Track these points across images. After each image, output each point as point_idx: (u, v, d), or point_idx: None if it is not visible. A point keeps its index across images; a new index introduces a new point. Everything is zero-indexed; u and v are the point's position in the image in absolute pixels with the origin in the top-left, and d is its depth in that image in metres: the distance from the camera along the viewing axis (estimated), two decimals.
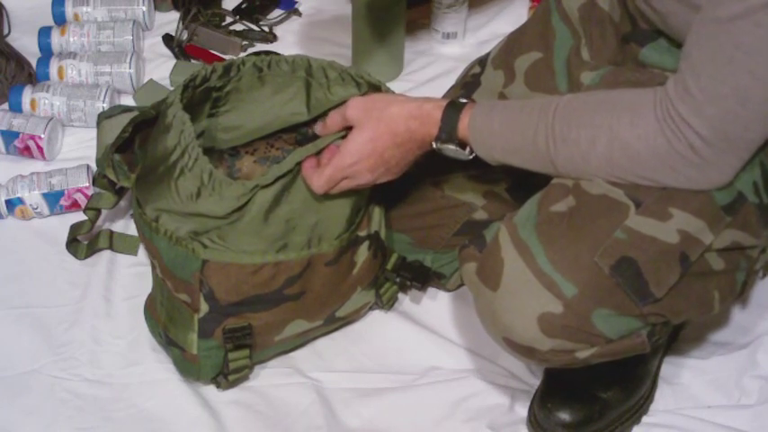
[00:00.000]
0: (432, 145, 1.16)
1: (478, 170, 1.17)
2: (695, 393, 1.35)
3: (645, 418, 1.32)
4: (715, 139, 1.00)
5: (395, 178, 1.21)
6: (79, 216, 1.49)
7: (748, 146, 1.02)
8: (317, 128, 1.24)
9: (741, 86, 0.97)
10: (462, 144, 1.15)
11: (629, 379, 1.30)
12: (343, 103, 1.34)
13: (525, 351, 1.12)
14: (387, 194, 1.31)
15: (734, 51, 0.96)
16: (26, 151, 1.62)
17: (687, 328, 1.41)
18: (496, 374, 1.37)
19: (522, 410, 1.32)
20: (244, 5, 1.90)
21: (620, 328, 1.10)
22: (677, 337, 1.39)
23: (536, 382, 1.34)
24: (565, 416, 1.27)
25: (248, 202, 1.19)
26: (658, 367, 1.35)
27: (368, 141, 1.16)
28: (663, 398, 1.34)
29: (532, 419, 1.30)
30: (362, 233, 1.30)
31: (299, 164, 1.19)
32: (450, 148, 1.15)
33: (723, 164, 1.03)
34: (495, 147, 1.13)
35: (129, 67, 1.72)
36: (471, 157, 1.15)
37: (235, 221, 1.20)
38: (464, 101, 1.15)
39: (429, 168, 1.21)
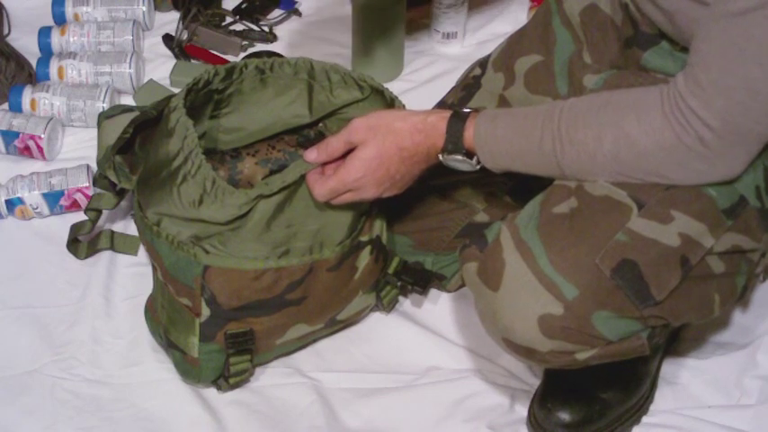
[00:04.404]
0: (438, 158, 1.16)
1: (480, 173, 1.17)
2: (695, 393, 1.35)
3: (645, 418, 1.32)
4: (724, 131, 1.00)
5: (399, 193, 1.21)
6: (79, 216, 1.49)
7: (758, 139, 1.02)
8: (312, 156, 1.18)
9: (752, 78, 0.97)
10: (469, 154, 1.14)
11: (629, 379, 1.30)
12: (344, 107, 1.35)
13: (525, 352, 1.12)
14: (388, 198, 1.31)
15: (745, 44, 0.96)
16: (26, 151, 1.62)
17: (687, 329, 1.41)
18: (496, 374, 1.37)
19: (522, 410, 1.33)
20: (244, 5, 1.90)
21: (621, 331, 1.10)
22: (677, 338, 1.39)
23: (536, 381, 1.34)
24: (565, 416, 1.27)
25: (250, 210, 1.19)
26: (658, 367, 1.35)
27: (374, 157, 1.15)
28: (663, 398, 1.34)
29: (532, 419, 1.30)
30: (364, 238, 1.30)
31: (303, 176, 1.19)
32: (457, 159, 1.15)
33: (732, 157, 1.03)
34: (501, 153, 1.13)
35: (129, 67, 1.72)
36: (478, 167, 1.15)
37: (237, 228, 1.20)
38: (468, 110, 1.15)
39: (431, 172, 1.20)
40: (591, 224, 1.08)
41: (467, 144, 1.14)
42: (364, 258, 1.31)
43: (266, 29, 1.87)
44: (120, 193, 1.41)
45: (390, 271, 1.36)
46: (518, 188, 1.35)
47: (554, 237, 1.08)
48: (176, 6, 1.91)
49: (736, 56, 0.97)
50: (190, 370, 1.31)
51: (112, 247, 1.50)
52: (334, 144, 1.18)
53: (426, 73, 1.79)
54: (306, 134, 1.41)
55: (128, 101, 1.73)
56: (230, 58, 1.82)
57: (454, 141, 1.14)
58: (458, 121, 1.14)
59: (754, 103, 0.98)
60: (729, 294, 1.13)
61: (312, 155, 1.19)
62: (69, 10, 1.83)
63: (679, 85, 1.02)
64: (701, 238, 1.08)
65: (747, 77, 0.97)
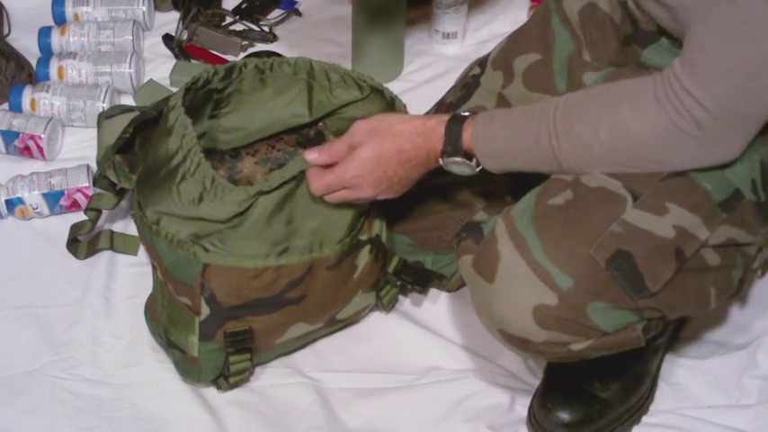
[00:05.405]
0: (437, 161, 1.16)
1: (480, 173, 1.17)
2: (695, 393, 1.35)
3: (645, 418, 1.32)
4: (721, 113, 1.00)
5: (396, 197, 1.21)
6: (79, 216, 1.49)
7: (756, 121, 1.02)
8: (313, 156, 1.18)
9: (751, 60, 0.97)
10: (468, 156, 1.14)
11: (629, 379, 1.30)
12: (344, 106, 1.35)
13: (520, 343, 1.12)
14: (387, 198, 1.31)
15: (744, 26, 0.96)
16: (26, 151, 1.62)
17: (687, 328, 1.41)
18: (496, 374, 1.37)
19: (522, 410, 1.33)
20: (244, 5, 1.90)
21: (616, 322, 1.10)
22: (677, 337, 1.39)
23: (536, 381, 1.34)
24: (564, 415, 1.27)
25: (250, 206, 1.19)
26: (658, 367, 1.35)
27: (372, 156, 1.15)
28: (663, 398, 1.34)
29: (532, 419, 1.30)
30: (364, 237, 1.30)
31: (302, 171, 1.19)
32: (456, 161, 1.15)
33: (728, 140, 1.03)
34: (500, 152, 1.13)
35: (129, 67, 1.72)
36: (478, 170, 1.15)
37: (236, 226, 1.20)
38: (466, 113, 1.15)
39: (430, 174, 1.21)
40: (586, 215, 1.08)
41: (465, 145, 1.14)
42: (364, 257, 1.31)
43: (266, 29, 1.87)
44: (120, 193, 1.41)
45: (390, 270, 1.36)
46: (518, 187, 1.35)
47: (549, 228, 1.09)
48: (176, 6, 1.91)
49: (736, 38, 0.97)
50: (190, 369, 1.31)
51: (112, 247, 1.51)
52: (336, 147, 1.18)
53: (426, 73, 1.79)
54: (305, 134, 1.41)
55: (128, 101, 1.73)
56: (230, 58, 1.83)
57: (453, 143, 1.14)
58: (456, 123, 1.14)
59: (753, 85, 0.98)
60: (725, 287, 1.14)
61: (313, 155, 1.19)
62: (69, 10, 1.83)
63: (675, 69, 1.02)
64: (695, 230, 1.08)
65: (747, 59, 0.97)
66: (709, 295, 1.13)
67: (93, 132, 1.49)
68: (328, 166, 1.18)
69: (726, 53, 0.98)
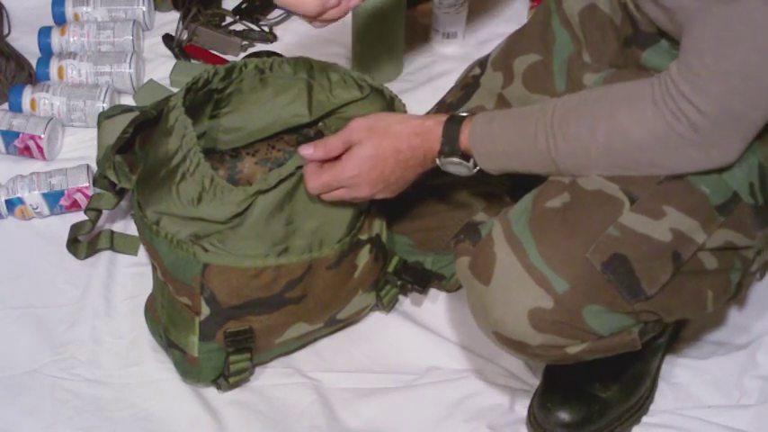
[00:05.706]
0: (435, 162, 1.16)
1: (478, 174, 1.17)
2: (695, 393, 1.35)
3: (645, 418, 1.32)
4: (718, 116, 1.00)
5: (392, 196, 1.20)
6: (79, 216, 1.49)
7: (753, 124, 1.02)
8: (308, 152, 1.18)
9: (748, 63, 0.97)
10: (465, 156, 1.14)
11: (629, 379, 1.30)
12: (344, 106, 1.35)
13: (516, 345, 1.12)
14: (386, 198, 1.31)
15: (741, 28, 0.96)
16: (26, 151, 1.62)
17: (687, 328, 1.41)
18: (496, 374, 1.37)
19: (522, 410, 1.33)
20: (244, 5, 1.90)
21: (611, 325, 1.10)
22: (677, 338, 1.39)
23: (536, 381, 1.34)
24: (564, 415, 1.27)
25: (249, 207, 1.19)
26: (658, 367, 1.35)
27: (370, 156, 1.15)
28: (663, 398, 1.34)
29: (532, 419, 1.30)
30: (364, 236, 1.30)
31: (299, 168, 1.19)
32: (454, 161, 1.14)
33: (726, 143, 1.03)
34: (497, 153, 1.13)
35: (129, 67, 1.72)
36: (476, 170, 1.15)
37: (236, 226, 1.20)
38: (464, 114, 1.15)
39: (429, 174, 1.21)
40: (582, 218, 1.08)
41: (463, 146, 1.14)
42: (364, 257, 1.31)
43: (266, 29, 1.87)
44: (120, 193, 1.41)
45: (390, 270, 1.36)
46: (517, 188, 1.35)
47: (545, 231, 1.09)
48: (176, 6, 1.91)
49: (733, 41, 0.96)
50: (190, 369, 1.31)
51: (112, 247, 1.51)
52: (332, 143, 1.18)
53: (426, 73, 1.79)
54: (305, 133, 1.41)
55: (128, 101, 1.73)
56: (230, 58, 1.82)
57: (450, 143, 1.14)
58: (454, 123, 1.14)
59: (749, 88, 0.98)
60: (723, 291, 1.13)
61: (308, 150, 1.18)
62: (69, 10, 1.83)
63: (672, 73, 1.02)
64: (692, 233, 1.08)
65: (744, 62, 0.97)
66: (707, 298, 1.13)
67: (93, 132, 1.49)
68: (325, 162, 1.19)
69: (722, 55, 0.98)
